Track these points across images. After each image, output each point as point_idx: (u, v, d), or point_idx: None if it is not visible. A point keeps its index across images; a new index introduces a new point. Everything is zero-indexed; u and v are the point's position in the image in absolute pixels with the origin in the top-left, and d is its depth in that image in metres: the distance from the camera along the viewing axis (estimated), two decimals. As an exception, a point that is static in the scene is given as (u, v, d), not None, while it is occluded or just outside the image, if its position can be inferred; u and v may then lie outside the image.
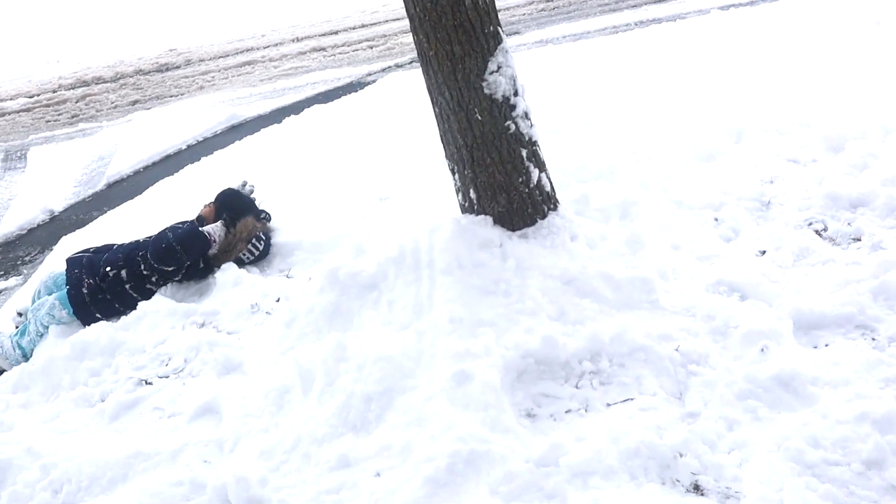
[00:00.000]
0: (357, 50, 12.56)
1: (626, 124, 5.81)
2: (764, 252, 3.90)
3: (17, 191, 8.67)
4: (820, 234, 3.97)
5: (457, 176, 3.68)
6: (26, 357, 4.71)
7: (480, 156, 3.54)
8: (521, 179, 3.61)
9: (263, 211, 5.16)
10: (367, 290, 3.64)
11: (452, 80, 3.45)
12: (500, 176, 3.58)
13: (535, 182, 3.65)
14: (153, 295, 4.69)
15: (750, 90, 5.93)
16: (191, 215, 5.32)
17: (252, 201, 5.19)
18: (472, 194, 3.64)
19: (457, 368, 3.12)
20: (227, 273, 4.56)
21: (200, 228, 4.82)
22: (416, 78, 9.05)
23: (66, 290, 4.74)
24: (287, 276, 4.61)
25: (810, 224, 4.06)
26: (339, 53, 12.53)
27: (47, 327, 4.68)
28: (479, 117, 3.48)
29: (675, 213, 4.17)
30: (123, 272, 4.71)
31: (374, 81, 9.89)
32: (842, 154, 4.63)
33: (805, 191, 4.30)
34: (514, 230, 3.64)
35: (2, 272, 6.89)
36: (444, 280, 3.46)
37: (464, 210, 3.74)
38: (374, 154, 6.34)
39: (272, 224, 5.12)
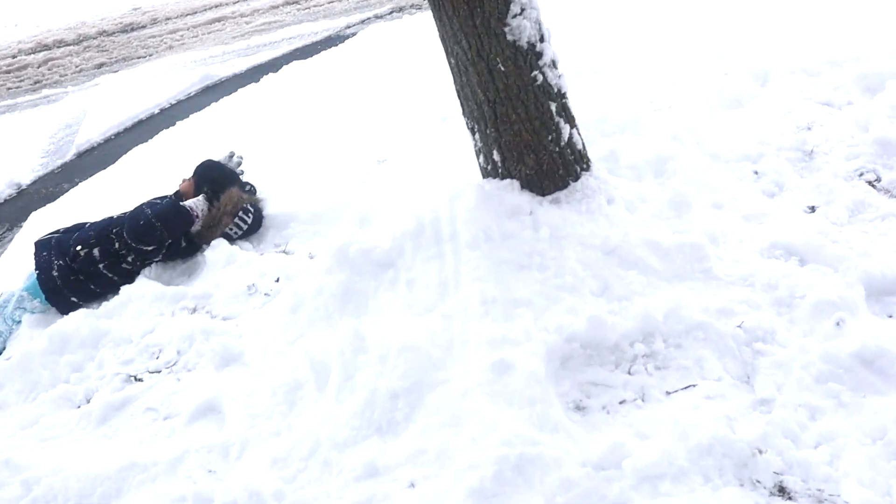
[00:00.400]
0: (332, 2, 11.99)
1: (636, 70, 5.41)
2: (814, 208, 3.53)
3: (-20, 164, 8.13)
4: (874, 186, 3.61)
5: (477, 136, 3.26)
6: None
7: (504, 112, 3.12)
8: (550, 137, 3.20)
9: (247, 183, 4.71)
10: (381, 268, 3.24)
11: (470, 25, 3.03)
12: (528, 134, 3.17)
13: (566, 139, 3.24)
14: (131, 275, 4.28)
15: (770, 28, 5.53)
16: (169, 189, 4.87)
17: (234, 172, 4.74)
18: (496, 156, 3.23)
19: (494, 358, 2.74)
20: (218, 251, 4.13)
21: (181, 203, 4.37)
22: (398, 29, 8.59)
23: (35, 276, 4.30)
24: (284, 252, 4.19)
25: (861, 175, 3.69)
26: (314, 6, 11.97)
27: (19, 322, 4.25)
28: (503, 68, 3.06)
29: (711, 167, 3.78)
30: (96, 251, 4.27)
31: (354, 34, 9.39)
32: (881, 95, 4.26)
33: (850, 137, 3.92)
34: (544, 195, 3.25)
35: (-32, 253, 6.40)
36: (471, 255, 3.06)
37: (486, 174, 3.33)
38: (363, 112, 5.90)
39: (261, 195, 4.67)
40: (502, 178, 3.25)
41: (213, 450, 2.96)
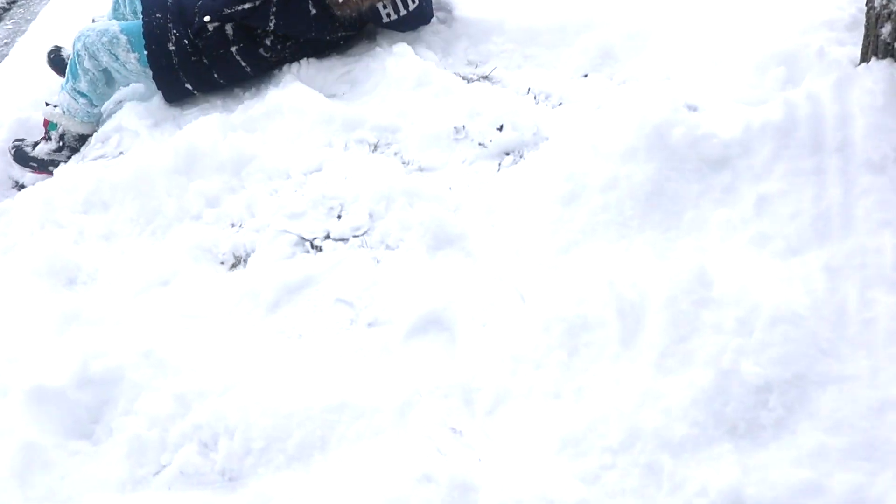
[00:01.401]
0: None
1: None
2: None
3: None
4: None
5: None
6: (94, 104, 3.30)
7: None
8: None
9: None
10: (713, 168, 2.23)
11: None
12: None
13: None
14: (268, 69, 3.20)
15: None
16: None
17: None
18: (921, 32, 2.14)
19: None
20: (405, 63, 3.03)
21: None
22: None
23: (141, 40, 3.18)
24: (487, 79, 3.09)
25: None
26: None
27: (106, 72, 3.21)
28: None
29: None
30: (229, 27, 3.15)
31: None
32: None
33: None
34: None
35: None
36: (873, 182, 2.07)
37: (885, 52, 2.25)
38: None
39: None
40: (912, 66, 2.19)
41: (452, 393, 2.08)
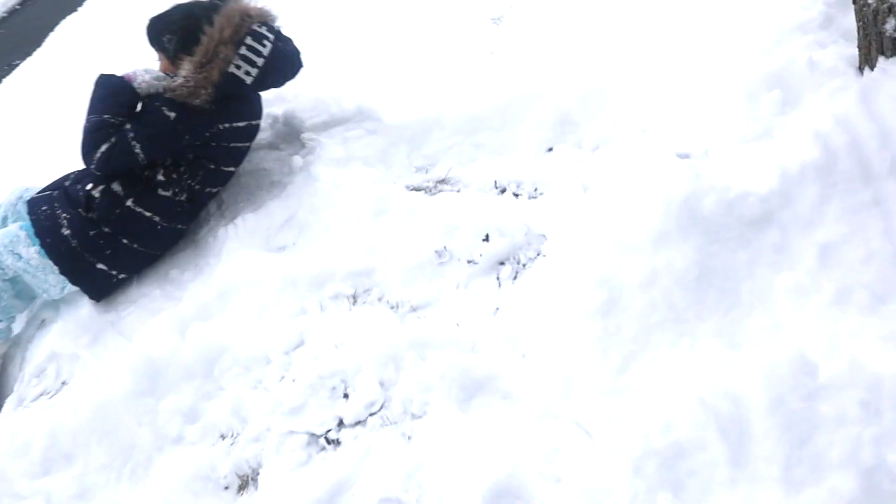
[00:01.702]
0: None
1: None
2: None
3: None
4: None
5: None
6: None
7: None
8: None
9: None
10: (755, 228, 1.96)
11: None
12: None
13: None
14: (177, 211, 2.90)
15: None
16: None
17: None
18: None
19: None
20: (354, 192, 2.70)
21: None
22: None
23: (35, 237, 2.82)
24: (445, 182, 2.78)
25: None
26: None
27: (14, 281, 2.86)
28: None
29: None
30: (115, 184, 2.82)
31: None
32: None
33: None
34: None
35: None
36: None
37: (891, 48, 2.02)
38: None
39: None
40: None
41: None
